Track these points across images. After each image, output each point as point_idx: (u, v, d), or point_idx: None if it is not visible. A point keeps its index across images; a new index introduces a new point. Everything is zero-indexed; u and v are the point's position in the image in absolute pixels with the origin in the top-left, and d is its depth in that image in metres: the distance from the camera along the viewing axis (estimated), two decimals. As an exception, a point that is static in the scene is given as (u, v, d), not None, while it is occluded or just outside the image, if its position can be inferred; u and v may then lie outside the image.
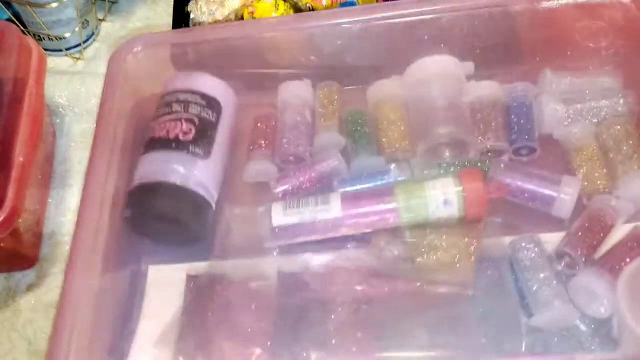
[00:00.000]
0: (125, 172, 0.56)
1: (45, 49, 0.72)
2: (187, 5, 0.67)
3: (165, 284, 0.53)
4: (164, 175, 0.53)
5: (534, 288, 0.47)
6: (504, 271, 0.50)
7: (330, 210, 0.51)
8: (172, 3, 0.69)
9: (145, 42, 0.62)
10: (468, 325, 0.47)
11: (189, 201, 0.53)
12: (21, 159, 0.54)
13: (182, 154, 0.54)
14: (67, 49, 0.73)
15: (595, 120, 0.56)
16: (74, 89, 0.71)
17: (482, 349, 0.46)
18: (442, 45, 0.58)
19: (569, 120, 0.56)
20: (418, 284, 0.49)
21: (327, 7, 0.66)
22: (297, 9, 0.68)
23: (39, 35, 0.72)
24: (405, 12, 0.60)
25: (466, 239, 0.50)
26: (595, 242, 0.49)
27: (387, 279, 0.50)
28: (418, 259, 0.50)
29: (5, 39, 0.60)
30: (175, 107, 0.56)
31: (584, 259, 0.48)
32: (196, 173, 0.54)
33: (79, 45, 0.74)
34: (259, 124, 0.60)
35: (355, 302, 0.49)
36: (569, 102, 0.56)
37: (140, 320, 0.51)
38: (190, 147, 0.54)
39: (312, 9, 0.66)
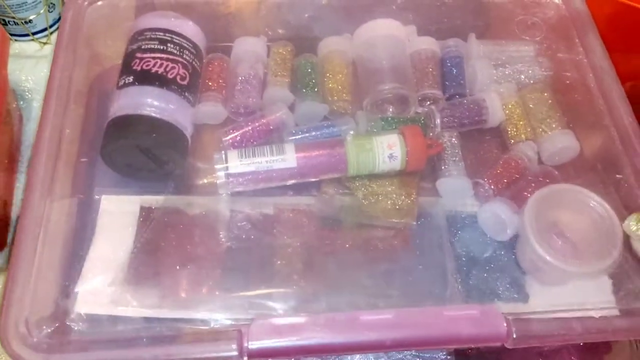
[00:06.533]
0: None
1: (12, 34, 0.72)
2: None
3: (118, 213, 0.54)
4: (160, 112, 0.53)
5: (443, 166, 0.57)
6: (438, 226, 0.55)
7: (285, 160, 0.54)
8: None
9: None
10: (407, 274, 0.52)
11: (182, 142, 0.54)
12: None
13: (179, 98, 0.54)
14: (33, 34, 0.72)
15: (515, 82, 0.62)
16: (40, 73, 0.71)
17: (418, 294, 0.51)
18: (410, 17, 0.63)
19: (497, 78, 0.62)
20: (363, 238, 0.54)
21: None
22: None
23: (4, 20, 0.70)
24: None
25: (407, 188, 0.56)
26: (507, 181, 0.56)
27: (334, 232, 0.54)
28: (365, 205, 0.55)
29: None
30: (171, 47, 0.56)
31: (494, 190, 0.55)
32: (186, 118, 0.55)
33: (45, 30, 0.73)
34: (209, 67, 0.61)
35: (303, 251, 0.53)
36: (495, 67, 0.62)
37: (91, 246, 0.52)
38: (185, 93, 0.55)
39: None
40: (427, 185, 0.57)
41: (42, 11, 0.70)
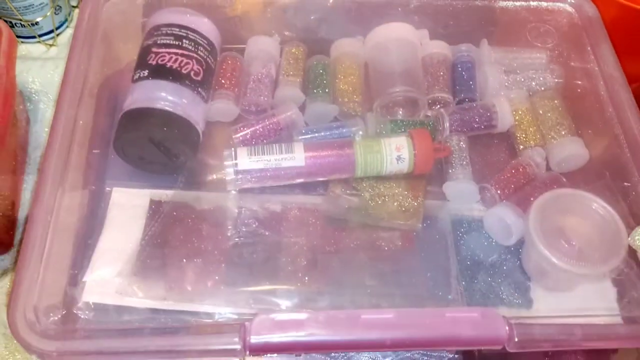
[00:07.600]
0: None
1: (18, 36, 0.72)
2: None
3: (128, 206, 0.54)
4: (173, 106, 0.53)
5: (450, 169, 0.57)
6: (444, 229, 0.56)
7: (294, 159, 0.54)
8: None
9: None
10: (411, 276, 0.52)
11: (194, 136, 0.55)
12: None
13: (192, 93, 0.55)
14: (40, 36, 0.73)
15: (527, 88, 0.62)
16: (47, 75, 0.71)
17: (420, 296, 0.52)
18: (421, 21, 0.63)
19: (507, 84, 0.62)
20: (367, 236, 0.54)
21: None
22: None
23: (11, 22, 0.70)
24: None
25: (413, 190, 0.56)
26: (514, 186, 0.56)
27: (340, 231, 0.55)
28: (371, 206, 0.55)
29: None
30: (186, 43, 0.56)
31: (500, 195, 0.55)
32: (198, 113, 0.56)
33: (52, 32, 0.73)
34: (223, 66, 0.62)
35: (308, 249, 0.53)
36: (506, 74, 0.63)
37: (100, 237, 0.53)
38: (199, 89, 0.56)
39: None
40: (434, 189, 0.57)
41: (48, 13, 0.71)
